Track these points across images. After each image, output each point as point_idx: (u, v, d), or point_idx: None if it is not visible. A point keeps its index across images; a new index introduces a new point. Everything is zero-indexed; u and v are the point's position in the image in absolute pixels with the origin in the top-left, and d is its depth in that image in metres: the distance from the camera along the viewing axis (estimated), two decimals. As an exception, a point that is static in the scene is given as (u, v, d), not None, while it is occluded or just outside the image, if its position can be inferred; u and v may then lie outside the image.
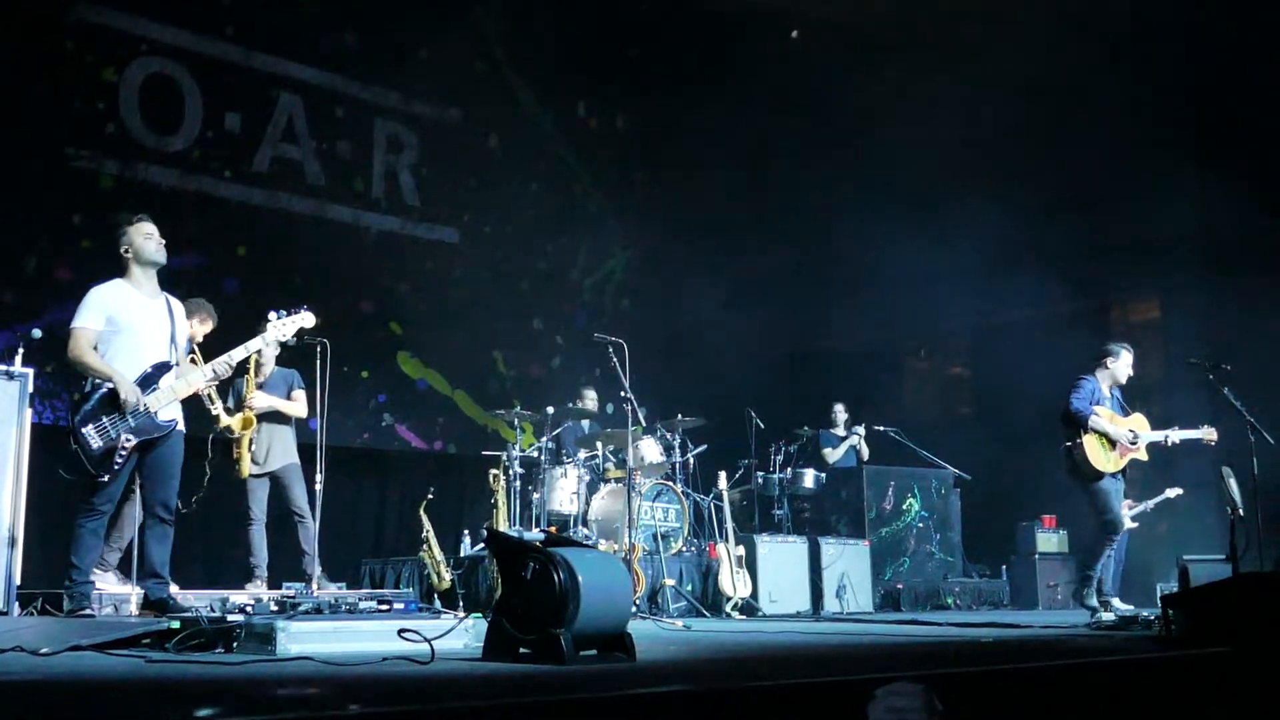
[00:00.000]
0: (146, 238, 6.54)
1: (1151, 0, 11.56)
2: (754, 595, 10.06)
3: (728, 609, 9.80)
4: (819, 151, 13.41)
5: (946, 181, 12.87)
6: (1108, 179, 12.18)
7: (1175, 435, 8.80)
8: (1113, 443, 8.59)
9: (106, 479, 6.26)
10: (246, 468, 8.42)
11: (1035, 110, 12.11)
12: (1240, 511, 7.79)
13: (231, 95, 11.57)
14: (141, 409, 6.27)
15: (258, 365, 8.58)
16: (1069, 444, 8.68)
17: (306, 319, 7.07)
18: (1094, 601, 8.56)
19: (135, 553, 6.78)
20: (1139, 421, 8.72)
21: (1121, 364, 8.84)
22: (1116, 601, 10.66)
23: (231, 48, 11.61)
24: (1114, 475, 8.62)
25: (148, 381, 6.36)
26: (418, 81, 12.90)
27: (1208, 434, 8.82)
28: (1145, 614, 7.69)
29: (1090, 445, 8.56)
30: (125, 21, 10.94)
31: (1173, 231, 12.19)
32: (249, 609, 5.49)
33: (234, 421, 8.32)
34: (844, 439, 12.64)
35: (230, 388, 8.68)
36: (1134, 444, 8.61)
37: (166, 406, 6.42)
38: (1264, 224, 11.23)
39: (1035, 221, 12.29)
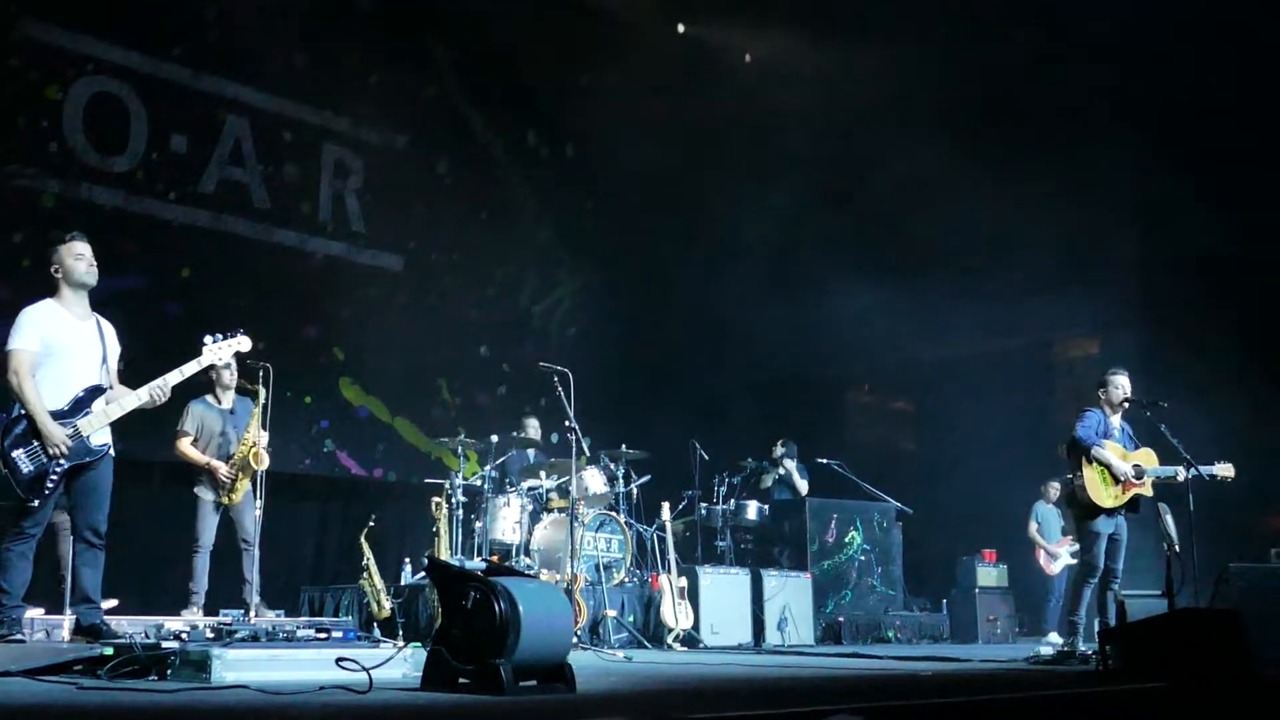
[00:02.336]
0: (77, 258, 6.32)
1: (1109, 36, 11.70)
2: (695, 627, 10.04)
3: (669, 640, 9.77)
4: (766, 178, 13.49)
5: (895, 216, 13.00)
6: (1050, 216, 12.31)
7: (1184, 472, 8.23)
8: (1115, 478, 8.26)
9: (37, 503, 6.11)
10: (239, 498, 8.29)
11: (979, 144, 12.23)
12: (1176, 548, 7.87)
13: (178, 117, 11.48)
14: (65, 449, 6.08)
15: (220, 395, 8.47)
16: (1070, 476, 8.40)
17: (243, 343, 6.87)
18: (1070, 642, 8.14)
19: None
20: (1147, 456, 8.38)
21: (1114, 388, 8.48)
22: (1053, 635, 10.77)
23: (179, 69, 11.53)
24: (1111, 513, 8.25)
25: (80, 406, 6.20)
26: (366, 107, 12.87)
27: (1223, 469, 8.27)
28: (1083, 649, 7.75)
29: (1090, 478, 8.22)
30: (72, 40, 10.84)
31: (1114, 268, 12.36)
32: (184, 635, 5.42)
33: (253, 461, 8.08)
34: (775, 469, 12.59)
35: (227, 422, 8.49)
36: (1139, 480, 8.25)
37: (99, 431, 6.26)
38: (1206, 260, 11.39)
39: (978, 257, 12.43)
